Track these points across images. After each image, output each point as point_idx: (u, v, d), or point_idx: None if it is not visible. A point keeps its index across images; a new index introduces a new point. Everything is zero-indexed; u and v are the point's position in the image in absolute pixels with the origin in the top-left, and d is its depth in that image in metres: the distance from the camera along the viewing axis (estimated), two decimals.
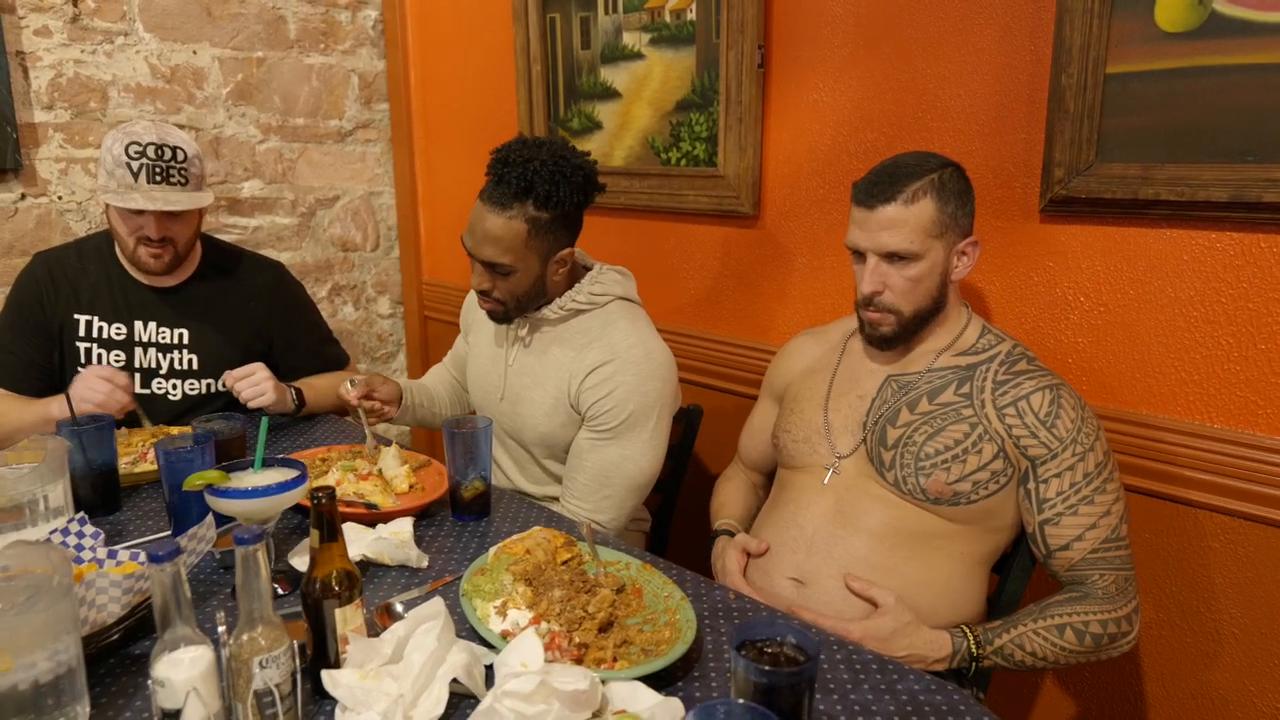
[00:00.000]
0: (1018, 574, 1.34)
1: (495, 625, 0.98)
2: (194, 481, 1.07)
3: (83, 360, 1.71)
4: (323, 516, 0.89)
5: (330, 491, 0.90)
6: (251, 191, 2.55)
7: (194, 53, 2.39)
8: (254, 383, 1.65)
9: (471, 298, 1.76)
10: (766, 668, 0.73)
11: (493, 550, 1.15)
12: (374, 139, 2.77)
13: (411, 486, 1.40)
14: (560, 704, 0.79)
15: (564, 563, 1.14)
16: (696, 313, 2.04)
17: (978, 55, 1.52)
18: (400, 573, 1.20)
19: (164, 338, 1.75)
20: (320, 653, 0.91)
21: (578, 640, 0.95)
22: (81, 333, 1.72)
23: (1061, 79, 1.38)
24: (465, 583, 1.07)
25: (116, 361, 1.72)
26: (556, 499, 1.57)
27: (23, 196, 2.19)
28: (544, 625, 0.95)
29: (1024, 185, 1.50)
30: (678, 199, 1.99)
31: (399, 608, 1.06)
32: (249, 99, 2.50)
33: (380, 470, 1.43)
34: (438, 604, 0.96)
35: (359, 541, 1.19)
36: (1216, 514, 1.39)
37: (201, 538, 1.03)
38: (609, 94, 2.10)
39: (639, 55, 2.02)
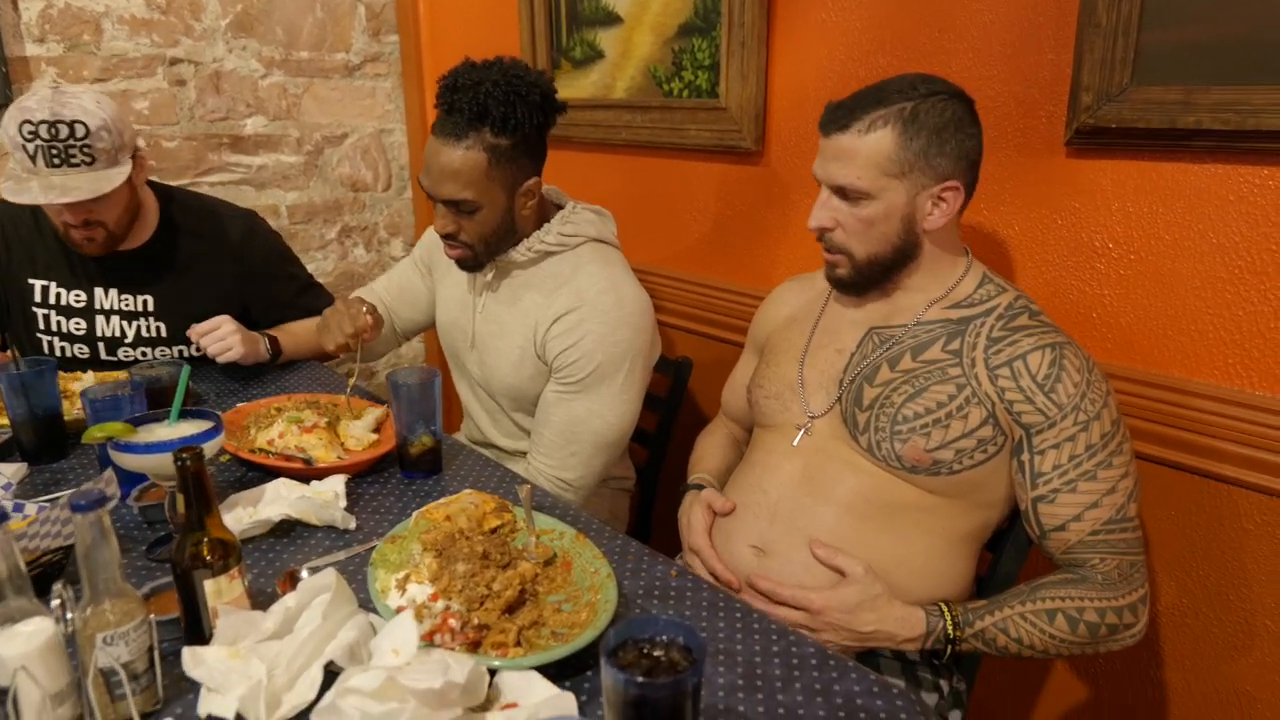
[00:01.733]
0: (1012, 553, 1.22)
1: (394, 600, 0.89)
2: (94, 434, 1.01)
3: (41, 326, 1.64)
4: (188, 480, 0.81)
5: (197, 453, 0.81)
6: (255, 129, 2.49)
7: None
8: (219, 337, 1.58)
9: (433, 235, 1.67)
10: (639, 679, 0.62)
11: (415, 515, 1.06)
12: (383, 73, 2.67)
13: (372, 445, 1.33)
14: (417, 701, 0.69)
15: (492, 530, 1.04)
16: (698, 257, 1.95)
17: None
18: (327, 534, 1.13)
19: (127, 304, 1.65)
20: (193, 628, 0.84)
21: (477, 621, 0.85)
22: (38, 298, 1.63)
23: None
24: (376, 551, 0.98)
25: (77, 330, 1.64)
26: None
27: None
28: (440, 603, 0.86)
29: (1049, 114, 1.35)
30: (679, 134, 1.88)
31: (305, 574, 0.99)
32: (250, 31, 2.42)
33: (337, 422, 1.36)
34: (329, 575, 0.88)
35: (283, 500, 1.12)
36: (1254, 492, 1.24)
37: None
38: (610, 19, 1.99)
39: None
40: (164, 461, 0.99)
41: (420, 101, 2.68)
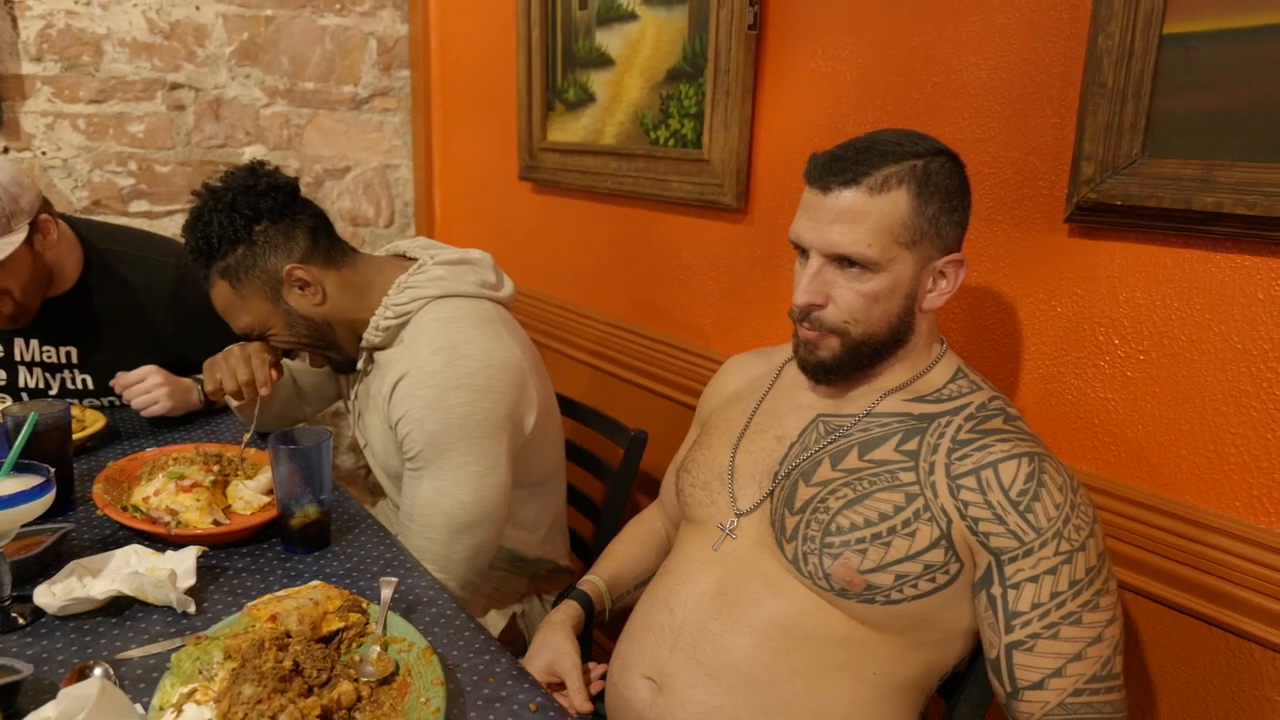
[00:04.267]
0: (971, 701, 1.00)
1: None
2: None
3: None
4: None
5: None
6: (253, 156, 2.42)
7: (196, 8, 2.28)
8: (143, 390, 1.48)
9: None
10: None
11: (246, 607, 0.91)
12: (393, 108, 2.63)
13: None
14: None
15: (330, 635, 0.88)
16: (677, 318, 1.83)
17: (1004, 12, 1.22)
18: (165, 616, 0.98)
19: (49, 356, 1.55)
20: None
21: None
22: None
23: (1099, 40, 1.04)
24: (177, 653, 0.84)
25: None
26: None
27: (5, 150, 2.12)
28: None
29: (1049, 184, 1.20)
30: (662, 185, 1.78)
31: (97, 672, 0.84)
32: (254, 59, 2.38)
33: (225, 480, 1.23)
34: (94, 684, 0.73)
35: (117, 574, 0.98)
36: None
37: None
38: (603, 61, 1.91)
39: (633, 15, 1.81)
40: None
41: (427, 138, 2.63)
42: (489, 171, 2.40)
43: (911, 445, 0.99)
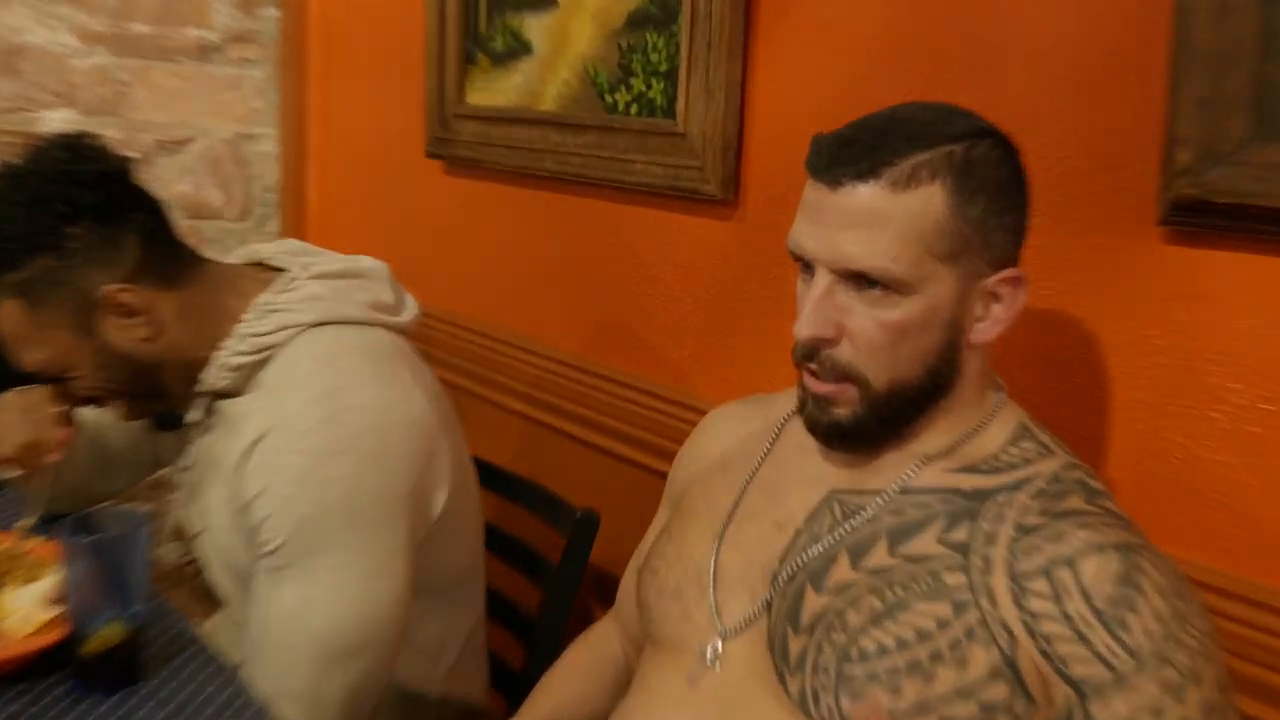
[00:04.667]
0: None
1: None
2: None
3: None
4: None
5: None
6: (58, 125, 2.44)
7: None
8: None
9: None
10: None
11: None
12: (254, 59, 2.64)
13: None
14: None
15: None
16: (643, 354, 1.85)
17: None
18: None
19: None
20: None
21: None
22: None
23: None
24: None
25: None
26: None
27: None
28: None
29: (1136, 175, 1.23)
30: (623, 167, 1.81)
31: None
32: None
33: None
34: None
35: None
36: None
37: None
38: (542, 1, 1.96)
39: None
40: None
41: (299, 99, 2.66)
42: (385, 146, 2.41)
43: (960, 534, 1.00)
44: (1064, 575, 0.94)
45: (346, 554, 1.25)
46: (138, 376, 1.32)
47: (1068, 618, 0.93)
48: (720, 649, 1.07)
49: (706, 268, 1.72)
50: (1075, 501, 0.99)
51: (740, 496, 1.14)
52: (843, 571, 1.02)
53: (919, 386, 1.03)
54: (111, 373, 1.31)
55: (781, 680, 1.02)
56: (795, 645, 1.02)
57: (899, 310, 0.99)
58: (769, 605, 1.06)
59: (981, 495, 1.01)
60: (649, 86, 1.73)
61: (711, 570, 1.11)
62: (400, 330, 1.41)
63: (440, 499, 1.34)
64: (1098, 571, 0.94)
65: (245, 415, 1.31)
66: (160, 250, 1.31)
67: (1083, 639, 0.92)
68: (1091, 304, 1.27)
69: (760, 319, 1.64)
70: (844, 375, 1.03)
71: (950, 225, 0.98)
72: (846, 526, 1.05)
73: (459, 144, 2.11)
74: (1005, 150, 1.02)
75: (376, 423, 1.27)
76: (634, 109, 1.76)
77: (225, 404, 1.35)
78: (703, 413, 1.68)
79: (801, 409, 1.09)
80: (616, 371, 1.85)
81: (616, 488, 1.80)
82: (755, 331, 1.66)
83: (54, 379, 1.32)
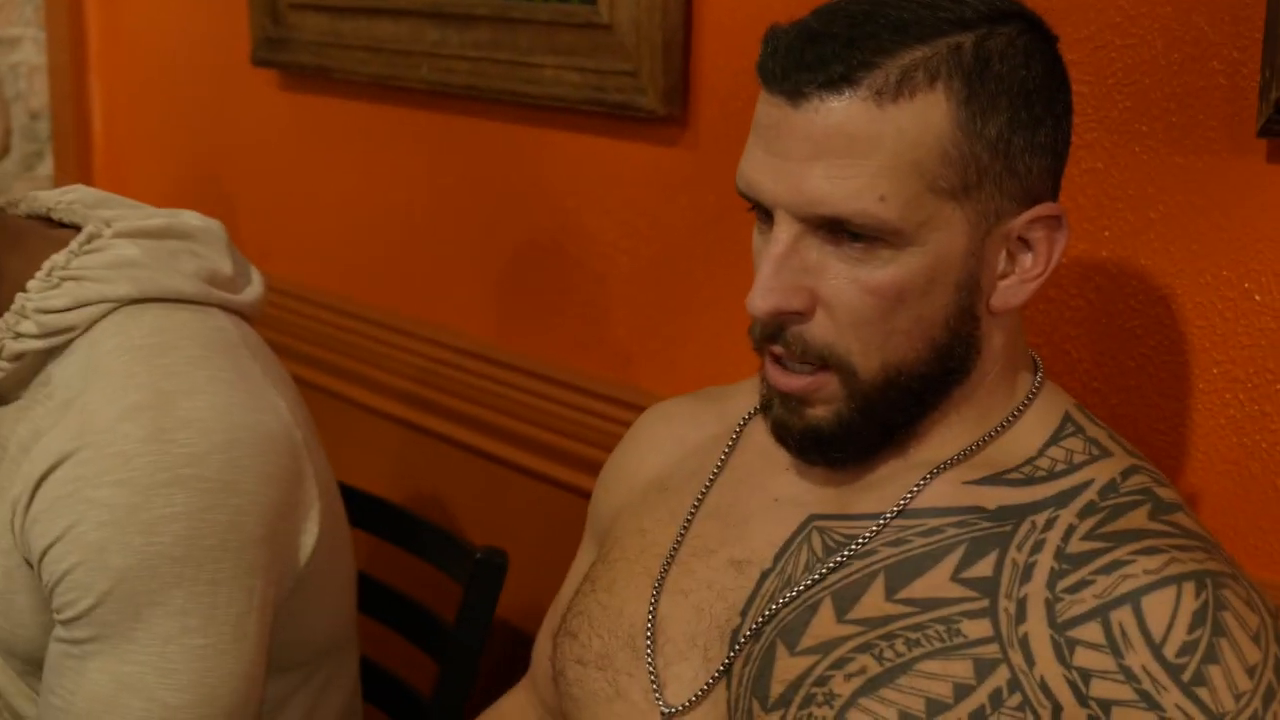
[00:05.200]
0: None
1: None
2: None
3: None
4: None
5: None
6: None
7: None
8: None
9: None
10: None
11: None
12: None
13: None
14: None
15: None
16: (566, 332, 1.92)
17: None
18: None
19: None
20: None
21: None
22: None
23: None
24: None
25: None
26: None
27: None
28: None
29: (1227, 70, 1.30)
30: (527, 73, 1.88)
31: None
32: None
33: None
34: None
35: None
36: None
37: None
38: None
39: None
40: None
41: None
42: (194, 50, 2.44)
43: (983, 568, 1.05)
44: (1124, 618, 0.99)
45: (178, 621, 1.28)
46: None
47: (1130, 675, 0.98)
48: None
49: (647, 212, 1.77)
50: (1138, 518, 1.04)
51: (686, 527, 1.18)
52: (826, 624, 1.07)
53: (924, 373, 1.07)
54: None
55: None
56: None
57: (891, 269, 1.03)
58: (727, 671, 1.10)
59: (1012, 514, 1.06)
60: None
61: (649, 629, 1.15)
62: (243, 312, 1.45)
63: (308, 541, 1.37)
64: (1169, 612, 0.98)
65: (34, 430, 1.34)
66: None
67: (1151, 703, 0.97)
68: (1166, 248, 1.34)
69: (721, 281, 1.70)
70: (820, 361, 1.07)
71: (959, 148, 1.02)
72: (830, 563, 1.09)
73: (298, 45, 2.14)
74: (1036, 38, 1.06)
75: (221, 441, 1.30)
76: None
77: None
78: (635, 406, 1.71)
79: (765, 411, 1.13)
80: (528, 359, 1.90)
81: (532, 517, 1.86)
82: (715, 299, 1.71)
83: None
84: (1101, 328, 1.39)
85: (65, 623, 1.29)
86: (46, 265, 1.36)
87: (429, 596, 1.65)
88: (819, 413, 1.08)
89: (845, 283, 1.04)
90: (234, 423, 1.32)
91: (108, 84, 2.72)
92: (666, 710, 1.12)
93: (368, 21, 2.04)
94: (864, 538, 1.10)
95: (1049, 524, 1.06)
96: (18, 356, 1.35)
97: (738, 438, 1.23)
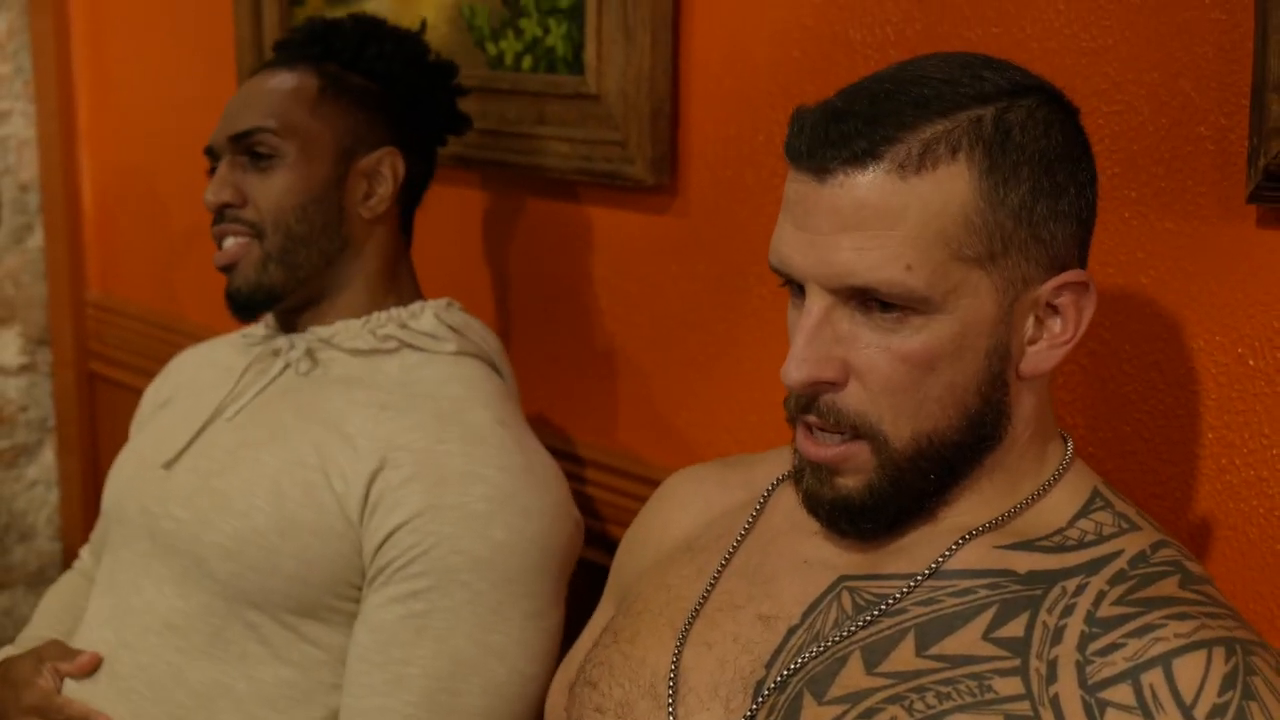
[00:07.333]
0: None
1: None
2: None
3: None
4: None
5: None
6: None
7: None
8: None
9: (171, 369, 1.90)
10: None
11: None
12: None
13: None
14: None
15: None
16: (555, 405, 1.93)
17: None
18: None
19: None
20: None
21: None
22: None
23: None
24: None
25: None
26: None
27: None
28: None
29: (1216, 134, 1.30)
30: (515, 144, 1.90)
31: None
32: None
33: None
34: None
35: None
36: None
37: None
38: None
39: None
40: None
41: (61, 55, 2.71)
42: (185, 123, 2.44)
43: (1014, 629, 1.05)
44: (1154, 680, 0.99)
45: (536, 603, 1.55)
46: (306, 224, 1.65)
47: None
48: None
49: (638, 280, 1.77)
50: (1169, 587, 1.04)
51: (713, 584, 1.19)
52: (855, 675, 1.06)
53: (955, 440, 1.08)
54: (295, 202, 1.65)
55: None
56: None
57: (922, 336, 1.04)
58: None
59: (1043, 579, 1.07)
60: (546, 30, 1.79)
61: (671, 678, 1.15)
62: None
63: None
64: (1199, 675, 0.98)
65: (364, 383, 1.62)
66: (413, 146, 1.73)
67: None
68: (1158, 313, 1.34)
69: (714, 348, 1.70)
70: (853, 430, 1.08)
71: (983, 216, 1.03)
72: (860, 620, 1.10)
73: None
74: (1056, 109, 1.07)
75: (559, 492, 1.61)
76: (527, 62, 1.82)
77: (331, 357, 1.65)
78: (639, 479, 1.76)
79: (797, 481, 1.13)
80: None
81: None
82: (709, 365, 1.71)
83: (254, 158, 1.67)
84: (1095, 393, 1.39)
85: (415, 580, 1.50)
86: (430, 303, 1.69)
87: None
88: (849, 482, 1.10)
89: (877, 351, 1.06)
90: (554, 478, 1.63)
91: (97, 157, 2.74)
92: None
93: None
94: (895, 597, 1.11)
95: (1080, 589, 1.07)
96: (385, 335, 1.65)
97: (765, 503, 1.25)
